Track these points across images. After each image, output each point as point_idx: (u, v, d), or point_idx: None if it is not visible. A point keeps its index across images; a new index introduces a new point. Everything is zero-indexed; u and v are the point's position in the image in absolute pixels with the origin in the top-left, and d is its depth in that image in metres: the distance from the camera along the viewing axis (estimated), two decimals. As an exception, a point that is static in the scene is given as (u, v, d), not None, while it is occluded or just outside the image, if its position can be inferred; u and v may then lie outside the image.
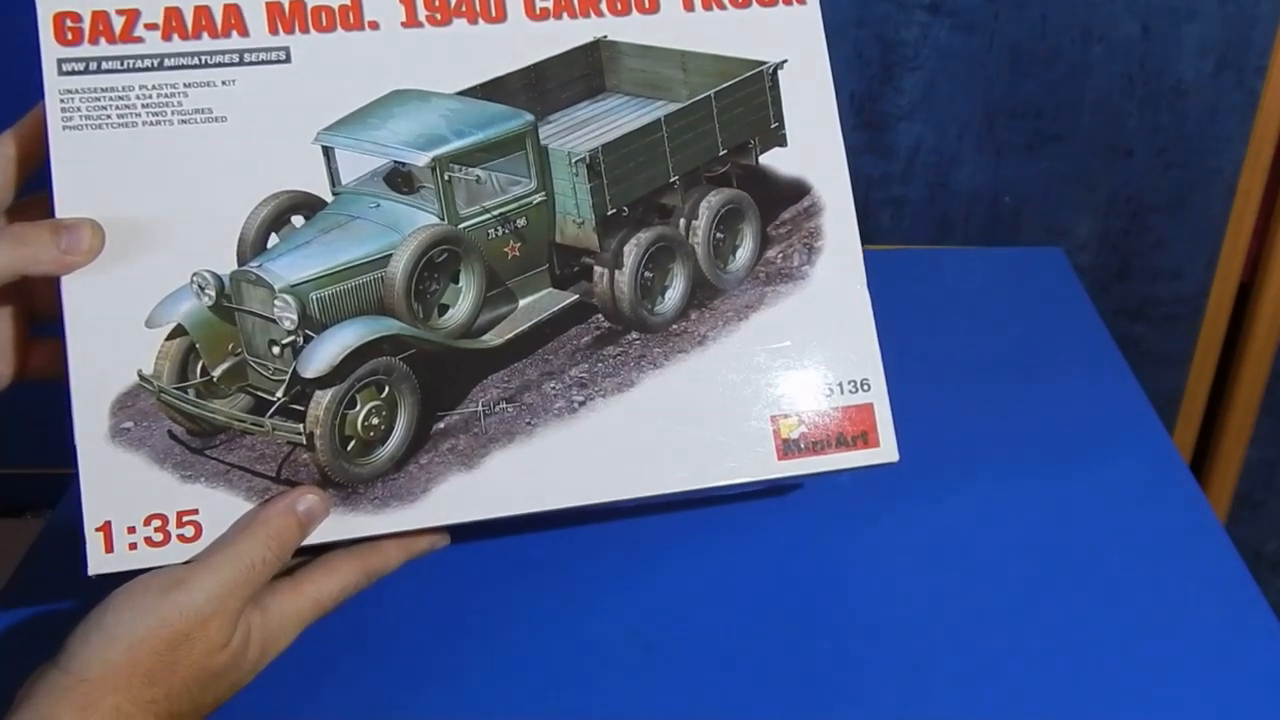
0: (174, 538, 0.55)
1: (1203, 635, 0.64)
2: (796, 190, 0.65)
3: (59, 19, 0.58)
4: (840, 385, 0.63)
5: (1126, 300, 1.12)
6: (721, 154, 0.66)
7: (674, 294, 0.64)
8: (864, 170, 1.07)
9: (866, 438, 0.63)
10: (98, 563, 0.54)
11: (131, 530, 0.55)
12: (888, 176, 1.07)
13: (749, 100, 0.66)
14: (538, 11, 0.63)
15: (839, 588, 0.68)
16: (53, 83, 0.58)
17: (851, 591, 0.68)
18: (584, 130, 0.67)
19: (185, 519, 0.56)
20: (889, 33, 1.01)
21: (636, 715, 0.61)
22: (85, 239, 0.55)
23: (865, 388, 0.63)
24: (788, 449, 0.62)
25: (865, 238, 1.17)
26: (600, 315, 0.64)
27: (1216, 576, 0.67)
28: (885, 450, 0.63)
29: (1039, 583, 0.67)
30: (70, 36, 0.59)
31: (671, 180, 0.65)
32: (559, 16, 0.64)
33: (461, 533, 0.60)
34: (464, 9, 0.63)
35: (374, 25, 0.61)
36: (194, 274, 0.57)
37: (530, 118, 0.63)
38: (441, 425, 0.59)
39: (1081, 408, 0.81)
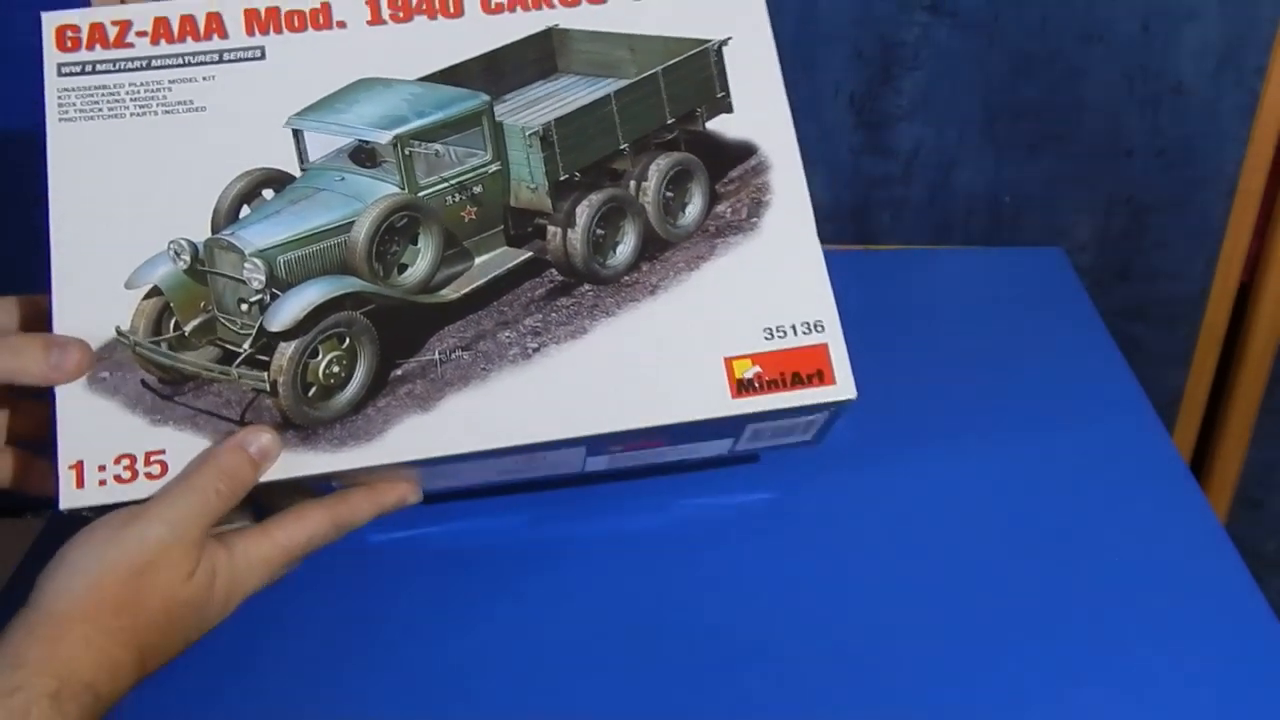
0: (141, 475, 0.58)
1: (1203, 635, 0.64)
2: (744, 151, 0.69)
3: (60, 30, 0.66)
4: (794, 327, 0.64)
5: (1126, 300, 1.12)
6: (669, 122, 0.70)
7: (625, 249, 0.67)
8: (864, 170, 1.07)
9: (822, 375, 0.64)
10: (69, 497, 0.58)
11: (102, 468, 0.58)
12: (888, 176, 1.07)
13: (695, 75, 0.69)
14: (493, 6, 0.69)
15: (835, 588, 0.68)
16: (52, 83, 0.64)
17: (850, 591, 0.68)
18: (538, 107, 0.70)
19: (153, 458, 0.59)
20: (889, 33, 1.01)
21: (619, 711, 0.61)
22: (73, 357, 0.59)
23: (819, 329, 0.65)
24: (742, 388, 0.63)
25: (865, 238, 1.17)
26: (553, 270, 0.67)
27: (1216, 576, 0.67)
28: (842, 388, 0.64)
29: (1037, 583, 0.67)
30: (70, 44, 0.65)
31: (621, 147, 0.69)
32: (512, 10, 0.69)
33: (436, 495, 0.63)
34: (424, 6, 0.68)
35: (342, 24, 0.67)
36: (170, 241, 0.62)
37: (486, 98, 0.67)
38: (399, 372, 0.63)
39: (1081, 408, 0.81)
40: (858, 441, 0.78)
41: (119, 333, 0.61)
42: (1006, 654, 0.63)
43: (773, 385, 0.63)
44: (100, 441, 0.59)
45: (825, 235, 1.12)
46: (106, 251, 0.62)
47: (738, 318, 0.65)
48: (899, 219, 1.09)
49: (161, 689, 0.55)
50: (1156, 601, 0.66)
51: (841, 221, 1.09)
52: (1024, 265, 1.00)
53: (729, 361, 0.63)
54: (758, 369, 0.63)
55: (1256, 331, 1.12)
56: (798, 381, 0.63)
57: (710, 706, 0.61)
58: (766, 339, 0.64)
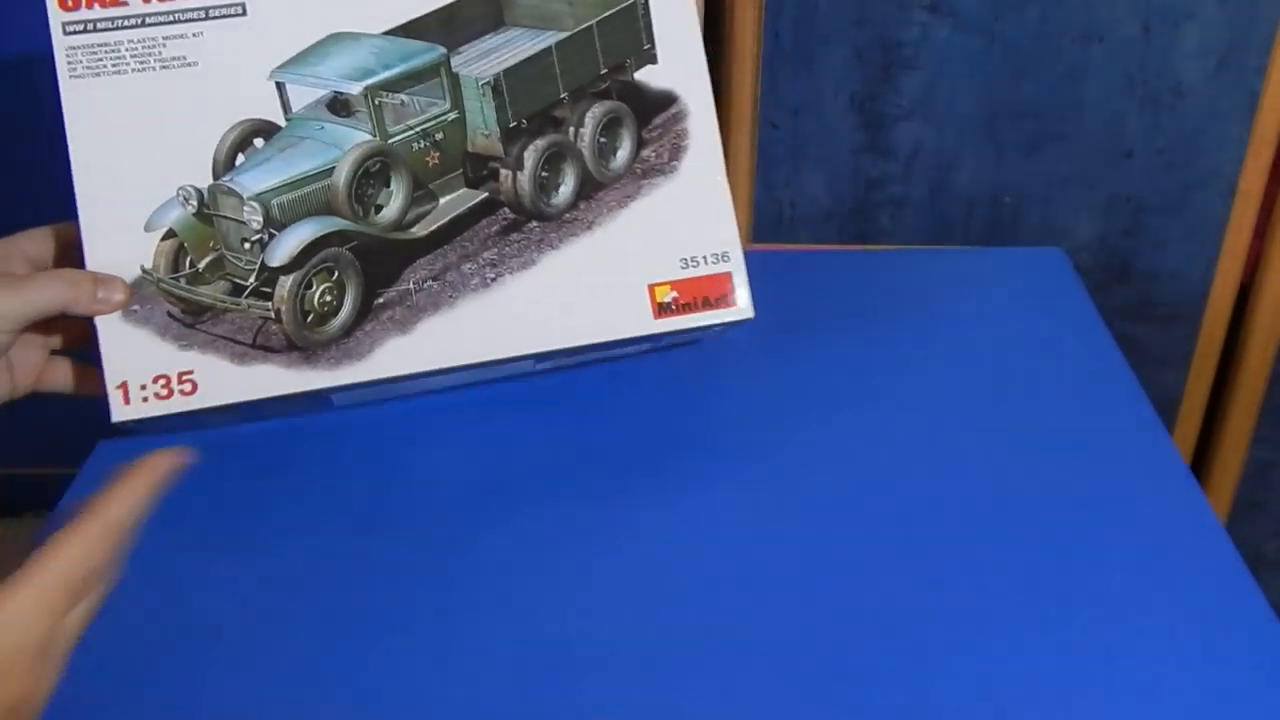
0: (176, 392, 0.71)
1: (1203, 635, 0.64)
2: (666, 99, 0.79)
3: None
4: (704, 257, 0.77)
5: (1126, 300, 1.12)
6: (603, 72, 0.80)
7: (566, 189, 0.78)
8: (864, 170, 1.07)
9: (726, 299, 0.77)
10: (119, 412, 0.70)
11: (143, 387, 0.70)
12: (888, 176, 1.07)
13: (625, 26, 0.79)
14: None
15: (833, 584, 0.68)
16: (60, 41, 0.72)
17: (846, 587, 0.68)
18: (489, 58, 0.79)
19: (184, 377, 0.71)
20: (889, 33, 1.01)
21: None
22: (117, 293, 0.69)
23: (725, 259, 0.77)
24: (662, 310, 0.76)
25: (865, 238, 1.17)
26: (506, 209, 0.77)
27: (1216, 576, 0.67)
28: (742, 309, 0.77)
29: (1036, 582, 0.67)
30: (70, 3, 0.73)
31: (562, 96, 0.79)
32: None
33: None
34: None
35: None
36: (179, 188, 0.71)
37: (443, 51, 0.76)
38: (381, 300, 0.74)
39: (1081, 408, 0.81)
40: (857, 439, 0.78)
41: (144, 271, 0.71)
42: (1003, 654, 0.63)
43: (686, 308, 0.76)
44: (139, 364, 0.70)
45: (825, 235, 1.12)
46: (125, 199, 0.71)
47: (659, 250, 0.76)
48: (899, 219, 1.10)
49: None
50: (1156, 601, 0.66)
51: (841, 221, 1.09)
52: (1024, 265, 1.00)
53: (651, 288, 0.76)
54: (675, 294, 0.76)
55: (1256, 331, 1.12)
56: (707, 304, 0.77)
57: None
58: (682, 268, 0.76)
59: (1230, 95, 1.02)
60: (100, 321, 0.70)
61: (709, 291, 0.77)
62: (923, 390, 0.83)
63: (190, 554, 0.69)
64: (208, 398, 0.71)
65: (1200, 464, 1.23)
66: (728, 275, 0.77)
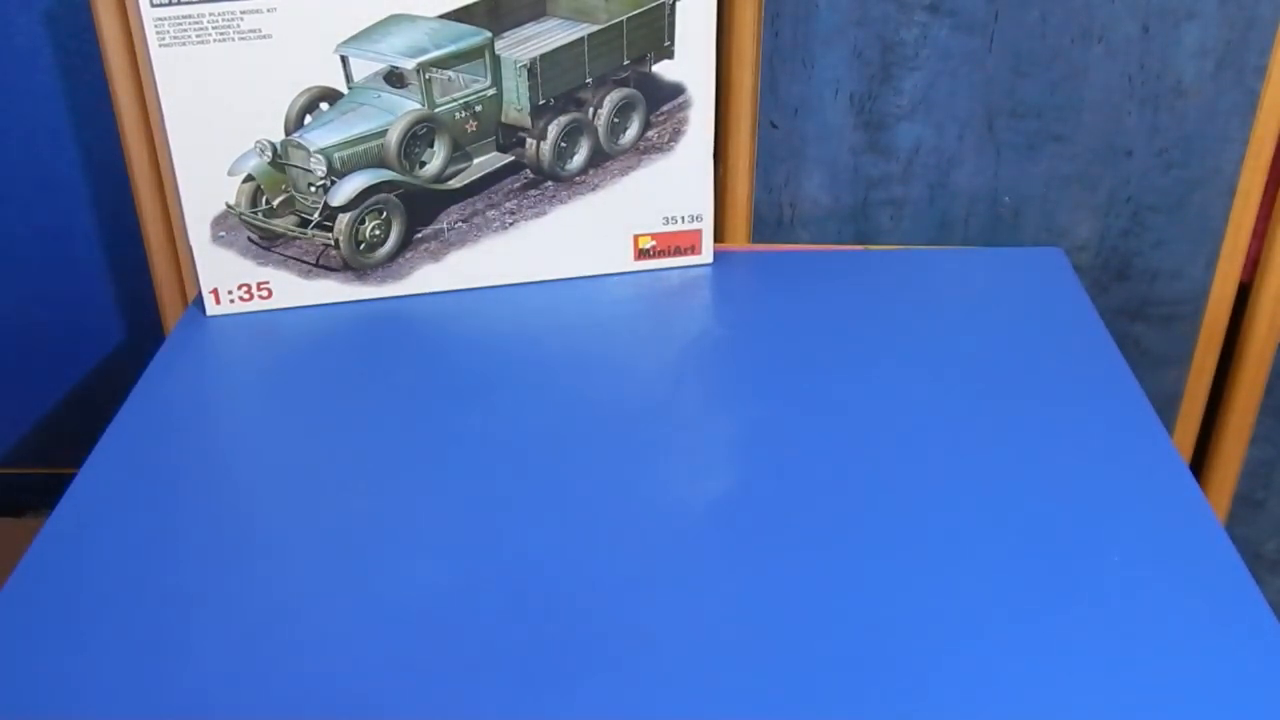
0: (255, 297, 0.92)
1: (1202, 635, 0.64)
2: (675, 90, 0.94)
3: None
4: (681, 217, 0.96)
5: (1126, 300, 1.12)
6: (625, 63, 0.93)
7: (579, 158, 0.94)
8: (864, 170, 1.07)
9: (694, 249, 0.98)
10: (213, 309, 0.92)
11: (230, 293, 0.92)
12: (888, 176, 1.07)
13: (651, 24, 0.91)
14: None
15: (832, 588, 0.68)
16: (148, 12, 0.81)
17: (847, 590, 0.68)
18: (528, 44, 0.91)
19: (262, 287, 0.92)
20: (889, 33, 1.01)
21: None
22: None
23: (698, 219, 0.97)
24: (641, 254, 0.97)
25: (865, 238, 1.17)
26: (528, 170, 0.93)
27: (1216, 576, 0.67)
28: (705, 256, 0.98)
29: (1036, 583, 0.67)
30: None
31: (587, 81, 0.92)
32: None
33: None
34: None
35: None
36: (256, 140, 0.87)
37: (489, 35, 0.89)
38: (419, 235, 0.93)
39: (1081, 408, 0.81)
40: (856, 439, 0.78)
41: (228, 206, 0.89)
42: (1001, 654, 0.63)
43: (661, 254, 0.97)
44: (227, 276, 0.91)
45: (825, 235, 1.12)
46: (211, 149, 0.86)
47: (647, 209, 0.95)
48: (899, 219, 1.09)
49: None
50: (1156, 601, 0.66)
51: (841, 221, 1.09)
52: (1024, 265, 1.00)
53: (636, 237, 0.96)
54: (654, 243, 0.96)
55: (1256, 331, 1.12)
56: (678, 252, 0.97)
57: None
58: (664, 224, 0.95)
59: (1230, 95, 1.02)
60: (195, 242, 0.88)
61: (680, 242, 0.96)
62: (921, 390, 0.83)
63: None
64: (279, 302, 0.93)
65: (1200, 464, 1.23)
66: (698, 231, 0.97)
